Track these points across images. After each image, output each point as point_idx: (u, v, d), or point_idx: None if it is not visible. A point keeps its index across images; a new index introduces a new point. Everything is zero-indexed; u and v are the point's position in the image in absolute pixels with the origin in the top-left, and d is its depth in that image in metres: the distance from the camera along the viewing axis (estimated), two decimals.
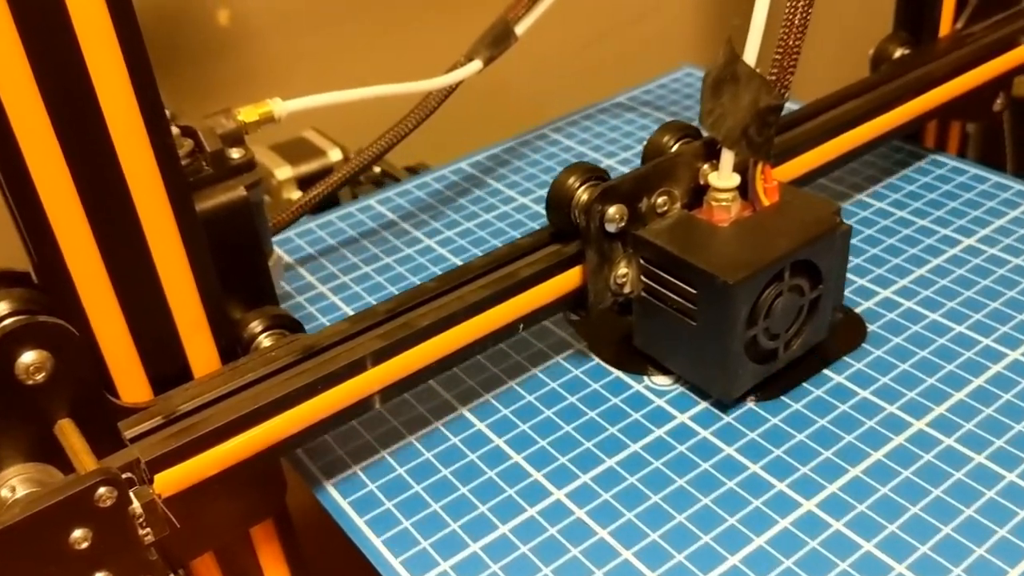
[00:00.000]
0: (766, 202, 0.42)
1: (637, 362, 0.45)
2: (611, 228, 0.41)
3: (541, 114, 0.88)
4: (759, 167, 0.42)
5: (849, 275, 0.48)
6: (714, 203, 0.42)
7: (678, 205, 0.43)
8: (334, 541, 0.46)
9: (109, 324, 0.34)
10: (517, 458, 0.41)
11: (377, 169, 0.70)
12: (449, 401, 0.44)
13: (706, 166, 0.43)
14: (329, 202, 0.68)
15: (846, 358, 0.44)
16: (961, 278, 0.48)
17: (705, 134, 0.43)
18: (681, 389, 0.43)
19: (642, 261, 0.42)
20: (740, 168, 0.42)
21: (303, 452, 0.42)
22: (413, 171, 0.71)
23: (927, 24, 0.57)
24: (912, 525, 0.36)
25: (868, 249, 0.51)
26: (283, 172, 0.66)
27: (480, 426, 0.42)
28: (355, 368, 0.37)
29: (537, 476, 0.40)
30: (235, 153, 0.38)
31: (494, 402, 0.44)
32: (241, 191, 0.38)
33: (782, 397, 0.42)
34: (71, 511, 0.30)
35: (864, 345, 0.44)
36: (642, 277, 0.42)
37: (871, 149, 0.53)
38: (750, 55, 0.40)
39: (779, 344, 0.42)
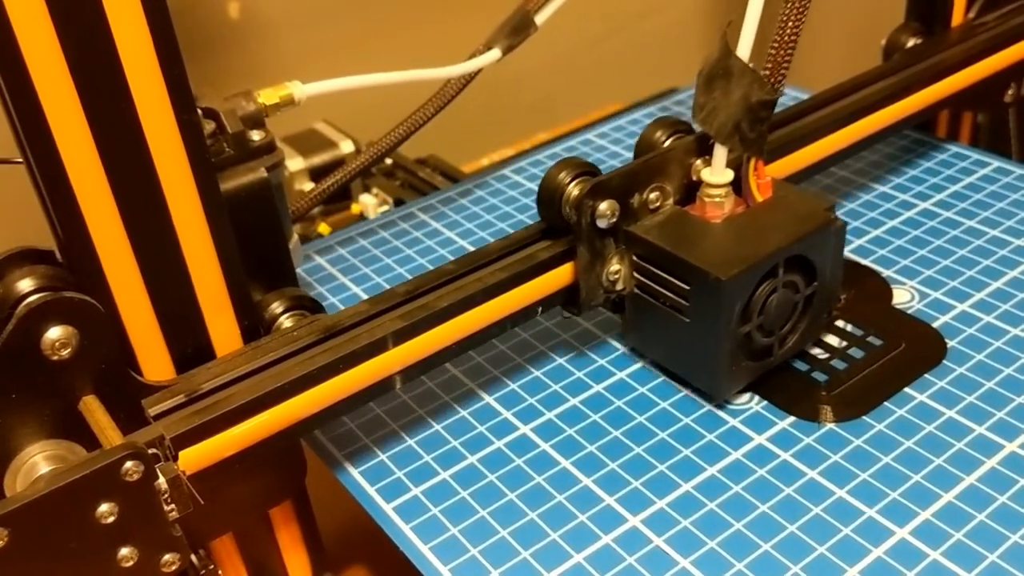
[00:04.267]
0: (759, 198, 0.42)
1: None
2: (602, 224, 0.40)
3: (552, 109, 0.88)
4: (752, 163, 0.41)
5: (922, 287, 0.47)
6: (707, 199, 0.42)
7: (671, 201, 0.42)
8: (353, 524, 0.46)
9: (134, 302, 0.34)
10: (587, 481, 0.39)
11: (388, 161, 0.70)
12: (511, 421, 0.42)
13: (699, 162, 0.42)
14: (341, 193, 0.68)
15: (927, 376, 0.42)
16: None
17: (698, 129, 0.42)
18: (756, 408, 0.42)
19: (635, 258, 0.41)
20: (733, 164, 0.41)
21: (322, 433, 0.43)
22: (423, 163, 0.71)
23: (939, 14, 0.57)
24: (1013, 554, 0.34)
25: (940, 261, 0.49)
26: (295, 163, 0.66)
27: (545, 446, 0.41)
28: (376, 348, 0.37)
29: (609, 500, 0.38)
30: (256, 135, 0.39)
31: (557, 421, 0.42)
32: (262, 172, 0.38)
33: (864, 417, 0.40)
34: (98, 485, 0.30)
35: (945, 362, 0.43)
36: (635, 274, 0.42)
37: (882, 138, 0.53)
38: (743, 50, 0.39)
39: (774, 341, 0.41)
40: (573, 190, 0.40)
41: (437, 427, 0.43)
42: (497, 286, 0.40)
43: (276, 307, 0.39)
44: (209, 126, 0.38)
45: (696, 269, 0.39)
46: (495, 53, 0.53)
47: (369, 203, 0.67)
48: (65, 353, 0.32)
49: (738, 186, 0.42)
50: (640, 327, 0.43)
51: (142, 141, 0.32)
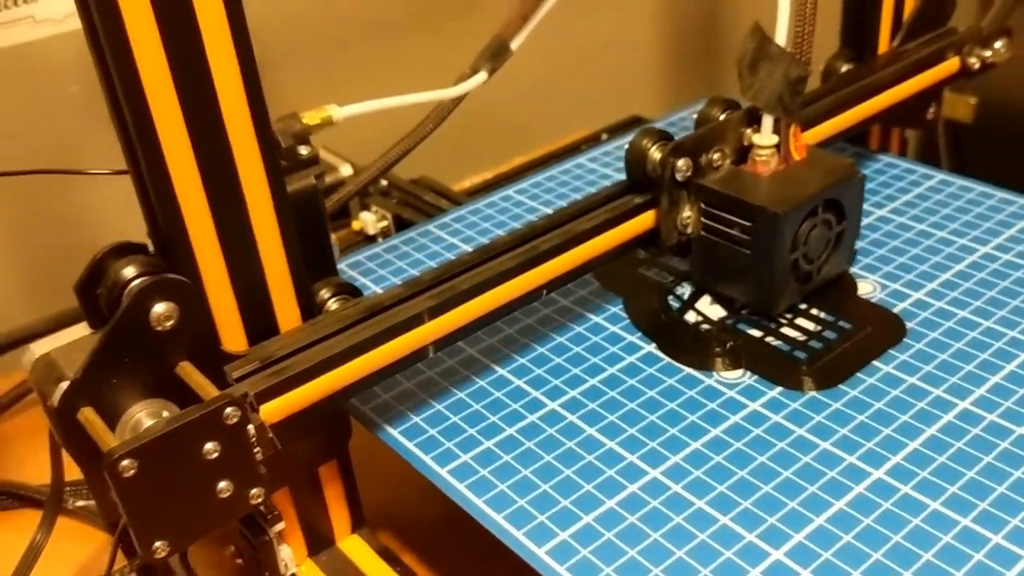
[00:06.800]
0: (797, 157, 0.53)
1: (705, 359, 0.51)
2: (679, 177, 0.51)
3: (526, 135, 0.96)
4: (791, 129, 0.52)
5: (885, 281, 0.56)
6: (757, 158, 0.52)
7: (728, 161, 0.53)
8: (384, 485, 0.53)
9: (218, 284, 0.41)
10: (610, 444, 0.46)
11: (384, 182, 0.78)
12: (540, 399, 0.49)
13: (749, 130, 0.53)
14: (342, 211, 0.75)
15: (891, 351, 0.50)
16: (983, 281, 0.54)
17: (744, 106, 0.53)
18: (748, 382, 0.49)
19: (703, 205, 0.52)
20: (775, 130, 0.52)
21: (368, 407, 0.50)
22: (416, 183, 0.79)
23: (868, 42, 0.66)
24: (970, 486, 0.42)
25: (897, 258, 0.57)
26: None
27: (572, 418, 0.48)
28: (414, 322, 0.44)
29: (632, 458, 0.45)
30: (303, 150, 0.46)
31: (580, 398, 0.49)
32: (311, 180, 0.45)
33: (840, 386, 0.48)
34: (206, 426, 0.37)
35: (906, 340, 0.51)
36: (702, 219, 0.52)
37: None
38: (780, 38, 0.50)
39: (813, 268, 0.53)
40: (655, 152, 0.51)
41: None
42: (594, 229, 0.50)
43: (324, 293, 0.46)
44: None
45: (758, 208, 0.49)
46: (481, 76, 0.59)
47: (368, 220, 0.74)
48: (168, 324, 0.39)
49: (780, 148, 0.53)
50: (705, 264, 0.54)
51: (229, 153, 0.39)
